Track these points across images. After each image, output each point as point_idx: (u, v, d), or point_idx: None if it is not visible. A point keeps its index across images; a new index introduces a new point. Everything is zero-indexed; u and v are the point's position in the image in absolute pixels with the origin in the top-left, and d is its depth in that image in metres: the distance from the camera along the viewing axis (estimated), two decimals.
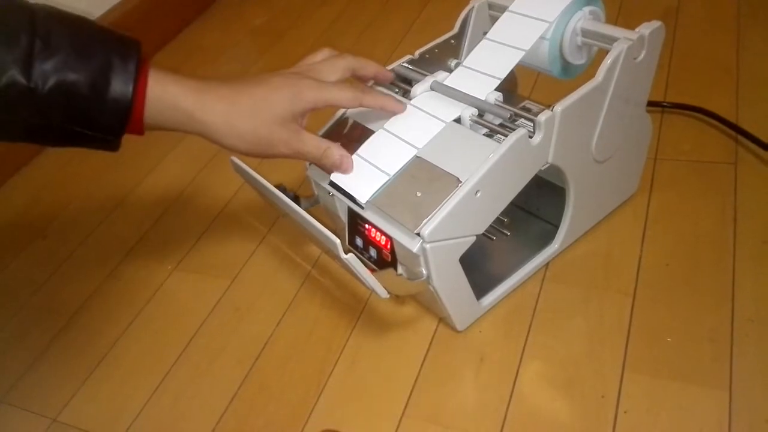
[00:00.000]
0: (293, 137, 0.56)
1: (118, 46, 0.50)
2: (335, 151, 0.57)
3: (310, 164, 0.64)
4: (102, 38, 0.50)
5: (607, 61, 0.56)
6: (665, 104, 0.81)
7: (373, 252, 0.60)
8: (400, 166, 0.57)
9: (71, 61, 0.47)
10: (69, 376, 0.68)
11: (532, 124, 0.55)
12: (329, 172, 0.59)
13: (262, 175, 0.60)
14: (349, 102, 0.57)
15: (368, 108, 0.59)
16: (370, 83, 0.65)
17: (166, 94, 0.52)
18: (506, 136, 0.54)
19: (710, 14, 0.95)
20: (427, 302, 0.65)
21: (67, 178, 0.97)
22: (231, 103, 0.54)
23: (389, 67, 0.65)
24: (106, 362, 0.69)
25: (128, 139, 0.54)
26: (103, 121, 0.50)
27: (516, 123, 0.56)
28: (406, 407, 0.58)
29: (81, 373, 0.68)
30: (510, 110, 0.57)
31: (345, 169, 0.58)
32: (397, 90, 0.65)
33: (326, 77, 0.58)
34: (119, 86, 0.49)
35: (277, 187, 0.60)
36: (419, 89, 0.62)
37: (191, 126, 0.54)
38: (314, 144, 0.57)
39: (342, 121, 0.64)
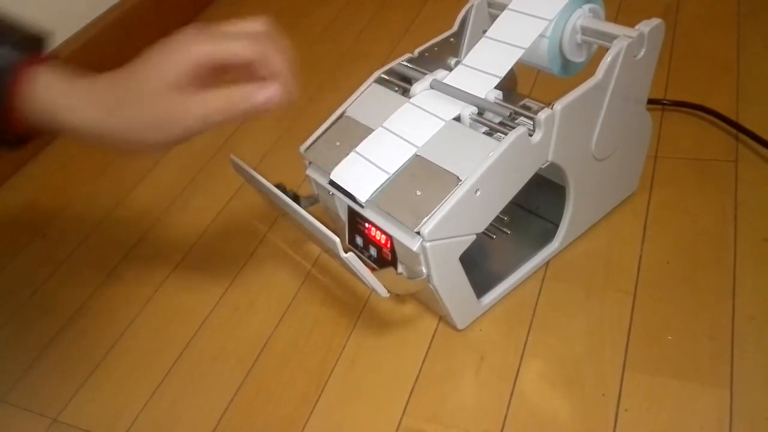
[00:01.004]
0: (192, 101, 0.46)
1: (11, 41, 0.46)
2: (249, 89, 0.46)
3: (310, 163, 0.64)
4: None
5: (607, 58, 0.56)
6: (665, 102, 0.81)
7: (373, 251, 0.60)
8: (400, 165, 0.57)
9: None
10: (69, 376, 0.68)
11: (531, 123, 0.55)
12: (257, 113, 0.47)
13: (261, 174, 0.60)
14: (246, 50, 0.46)
15: (273, 63, 0.47)
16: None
17: (38, 96, 0.46)
18: (506, 134, 0.54)
19: (710, 12, 0.95)
20: (427, 301, 0.65)
21: (67, 178, 0.97)
22: (105, 94, 0.47)
23: (388, 66, 0.65)
24: (106, 362, 0.69)
25: None
26: None
27: (516, 121, 0.56)
28: (406, 406, 0.58)
29: (81, 372, 0.68)
30: (510, 108, 0.57)
31: (272, 99, 0.47)
32: (396, 89, 0.65)
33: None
34: None
35: (277, 186, 0.60)
36: (419, 88, 0.62)
37: (70, 131, 0.48)
38: (220, 97, 0.46)
39: (340, 119, 0.64)
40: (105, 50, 1.10)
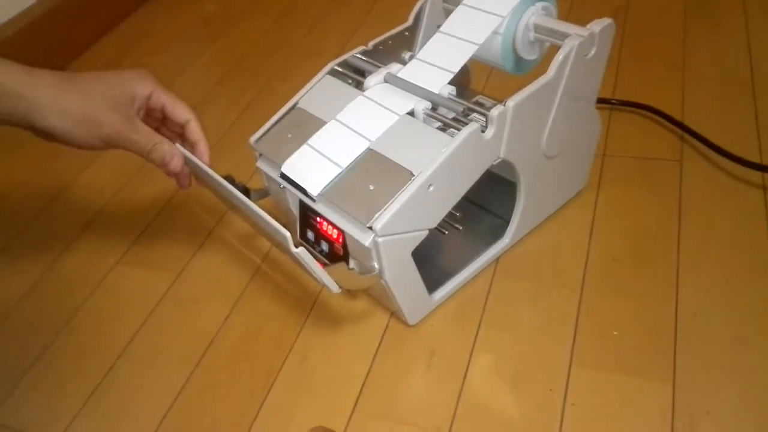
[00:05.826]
0: (125, 122, 0.53)
1: None
2: (167, 146, 0.56)
3: (260, 155, 0.62)
4: None
5: (559, 57, 0.56)
6: (614, 101, 0.82)
7: (324, 246, 0.59)
8: (353, 159, 0.56)
9: None
10: (3, 375, 0.65)
11: (484, 119, 0.55)
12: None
13: (209, 166, 0.59)
14: (185, 110, 0.59)
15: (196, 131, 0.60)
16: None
17: None
18: (459, 130, 0.54)
19: (658, 13, 0.97)
20: (378, 296, 0.64)
21: (6, 167, 0.93)
22: (62, 79, 0.52)
23: (342, 58, 0.64)
24: (44, 360, 0.66)
25: None
26: None
27: (469, 117, 0.56)
28: (356, 402, 0.58)
29: (16, 371, 0.65)
30: (463, 104, 0.57)
31: (172, 168, 0.58)
32: (350, 81, 0.64)
33: None
34: None
35: (226, 178, 0.58)
36: (373, 81, 0.61)
37: (16, 104, 0.51)
38: (146, 135, 0.55)
39: (292, 110, 0.63)
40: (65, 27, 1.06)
